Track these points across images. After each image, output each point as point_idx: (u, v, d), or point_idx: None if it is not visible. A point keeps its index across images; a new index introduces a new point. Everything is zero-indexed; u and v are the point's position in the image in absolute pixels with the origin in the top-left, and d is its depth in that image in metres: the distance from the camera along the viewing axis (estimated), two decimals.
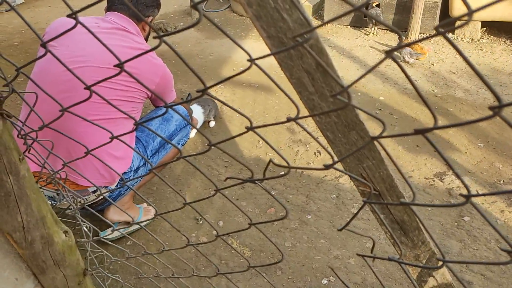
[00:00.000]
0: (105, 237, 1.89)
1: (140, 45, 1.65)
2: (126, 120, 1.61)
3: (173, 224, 1.01)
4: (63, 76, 1.47)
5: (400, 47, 0.37)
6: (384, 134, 0.48)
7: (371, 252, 0.61)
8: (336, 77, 0.49)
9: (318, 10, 4.64)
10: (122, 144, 1.58)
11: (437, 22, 3.90)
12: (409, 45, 0.42)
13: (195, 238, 1.87)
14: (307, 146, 2.51)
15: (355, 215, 0.60)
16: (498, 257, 1.68)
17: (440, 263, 0.51)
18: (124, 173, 1.63)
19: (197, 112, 2.61)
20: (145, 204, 2.06)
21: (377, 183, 0.60)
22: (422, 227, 0.64)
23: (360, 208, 0.60)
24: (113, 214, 1.81)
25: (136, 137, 1.72)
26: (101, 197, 1.59)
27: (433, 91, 3.03)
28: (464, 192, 2.00)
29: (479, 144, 2.43)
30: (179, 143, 1.96)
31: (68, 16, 0.53)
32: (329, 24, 4.40)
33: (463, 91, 3.00)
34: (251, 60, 0.46)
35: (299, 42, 0.42)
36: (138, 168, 1.69)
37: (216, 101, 2.90)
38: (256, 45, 4.10)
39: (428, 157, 2.37)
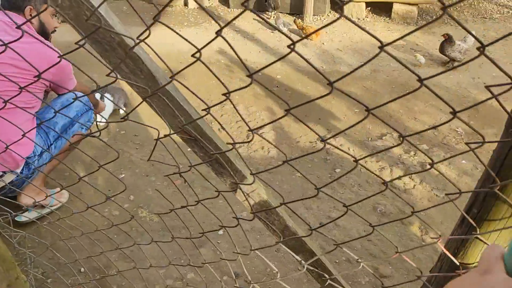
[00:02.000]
0: (21, 220, 2.03)
1: (31, 38, 1.78)
2: (24, 109, 1.76)
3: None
4: None
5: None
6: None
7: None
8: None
9: None
10: (20, 131, 1.72)
11: (327, 5, 4.33)
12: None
13: (108, 212, 2.08)
14: (211, 123, 2.79)
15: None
16: (358, 198, 2.10)
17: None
18: (28, 157, 1.78)
19: (107, 100, 2.75)
20: (58, 189, 2.21)
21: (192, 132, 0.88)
22: (231, 160, 0.94)
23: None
24: (26, 198, 1.96)
25: (37, 124, 1.87)
26: (7, 181, 1.74)
27: (322, 67, 3.45)
28: (336, 150, 2.41)
29: (355, 110, 2.88)
30: (82, 128, 2.13)
31: None
32: (234, 9, 4.67)
33: (347, 66, 3.45)
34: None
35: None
36: (42, 153, 1.85)
37: (125, 89, 3.06)
38: (165, 32, 4.25)
39: (313, 124, 2.76)
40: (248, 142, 0.72)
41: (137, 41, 0.74)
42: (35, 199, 2.00)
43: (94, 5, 0.68)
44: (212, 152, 0.92)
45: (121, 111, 2.94)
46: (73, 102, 1.86)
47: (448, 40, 3.14)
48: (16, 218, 1.96)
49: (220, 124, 0.78)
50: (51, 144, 1.89)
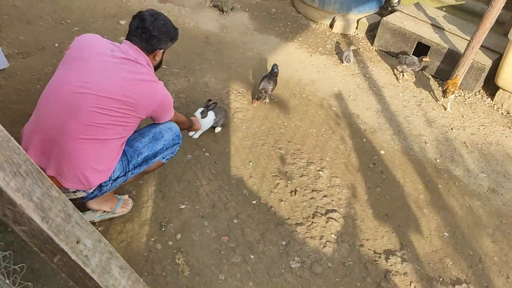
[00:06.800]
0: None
1: (144, 76, 1.88)
2: (115, 139, 1.90)
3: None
4: (69, 98, 1.76)
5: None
6: None
7: None
8: None
9: (373, 30, 4.57)
10: (105, 159, 1.88)
11: (479, 83, 3.78)
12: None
13: (153, 242, 2.20)
14: (289, 182, 2.71)
15: None
16: None
17: None
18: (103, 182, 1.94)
19: (209, 118, 2.85)
20: (126, 196, 2.39)
21: None
22: None
23: None
24: (93, 204, 2.17)
25: (124, 150, 2.01)
26: (79, 196, 1.93)
27: (435, 160, 3.07)
28: (400, 279, 2.17)
29: (445, 233, 2.53)
30: (164, 158, 2.24)
31: None
32: (376, 49, 4.36)
33: (464, 170, 3.01)
34: None
35: None
36: (117, 178, 1.99)
37: (227, 111, 3.12)
38: (297, 51, 4.18)
39: (390, 230, 2.51)
40: None
41: None
42: (101, 206, 2.22)
43: None
44: None
45: (217, 130, 3.03)
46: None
47: None
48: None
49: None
50: (128, 171, 2.03)
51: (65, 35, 3.71)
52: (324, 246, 2.32)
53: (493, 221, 2.65)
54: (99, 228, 2.23)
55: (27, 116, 1.90)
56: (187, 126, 2.49)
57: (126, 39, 1.97)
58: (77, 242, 0.77)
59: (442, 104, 3.64)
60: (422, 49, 3.98)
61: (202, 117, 2.78)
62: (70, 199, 1.95)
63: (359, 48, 4.37)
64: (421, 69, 3.97)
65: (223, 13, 4.66)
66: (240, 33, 4.33)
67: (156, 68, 2.09)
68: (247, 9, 4.82)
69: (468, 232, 2.56)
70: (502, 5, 3.29)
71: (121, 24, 4.06)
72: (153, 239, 2.22)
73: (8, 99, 2.93)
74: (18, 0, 4.08)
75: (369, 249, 2.37)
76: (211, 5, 4.75)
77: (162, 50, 2.03)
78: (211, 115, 2.86)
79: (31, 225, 0.65)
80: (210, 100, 2.81)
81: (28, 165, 0.67)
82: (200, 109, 2.77)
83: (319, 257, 2.26)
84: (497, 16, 3.35)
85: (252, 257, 2.20)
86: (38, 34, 3.66)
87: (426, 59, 3.80)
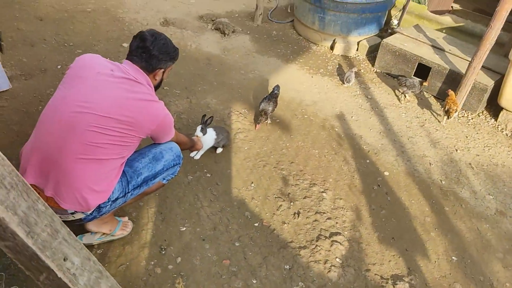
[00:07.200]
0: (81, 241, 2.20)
1: (144, 96, 1.86)
2: (114, 160, 1.86)
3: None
4: (68, 117, 1.73)
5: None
6: None
7: None
8: None
9: (373, 51, 4.59)
10: (104, 179, 1.83)
11: (482, 103, 3.76)
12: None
13: (152, 266, 2.13)
14: (291, 203, 2.65)
15: None
16: None
17: None
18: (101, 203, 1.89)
19: (210, 136, 2.81)
20: (126, 218, 2.34)
21: None
22: None
23: None
24: (91, 225, 2.11)
25: (123, 171, 1.97)
26: (77, 218, 1.88)
27: (441, 181, 3.01)
28: None
29: (453, 258, 2.45)
30: (165, 179, 2.19)
31: None
32: (377, 70, 4.37)
33: (470, 192, 2.95)
34: None
35: None
36: (117, 199, 1.94)
37: (229, 132, 3.09)
38: (298, 73, 4.19)
39: (396, 254, 2.43)
40: None
41: None
42: (100, 228, 2.16)
43: None
44: None
45: (219, 150, 2.99)
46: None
47: None
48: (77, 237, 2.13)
49: None
50: (128, 192, 1.98)
51: (68, 57, 3.73)
52: (329, 271, 2.24)
53: (503, 244, 2.57)
54: (98, 251, 2.16)
55: (27, 137, 1.87)
56: (188, 146, 2.45)
57: (126, 58, 1.96)
58: (64, 260, 0.72)
59: (444, 125, 3.62)
60: (423, 70, 3.99)
61: (204, 134, 2.73)
62: (68, 221, 1.92)
63: (360, 70, 4.38)
64: (421, 91, 3.97)
65: (224, 35, 4.71)
66: (241, 55, 4.35)
67: (157, 87, 2.07)
68: (248, 32, 4.87)
69: (477, 256, 2.48)
70: (501, 26, 3.31)
71: (124, 46, 4.08)
72: (152, 262, 2.15)
73: (9, 120, 2.91)
74: (23, 23, 4.12)
75: (375, 274, 2.29)
76: (212, 28, 4.80)
77: (162, 70, 2.02)
78: (211, 132, 2.82)
79: (15, 240, 0.60)
80: (204, 115, 2.78)
81: (13, 176, 0.63)
82: (199, 127, 2.73)
83: (324, 282, 2.18)
84: (496, 36, 3.36)
85: (254, 281, 2.12)
86: (41, 56, 3.68)
87: (425, 83, 3.81)
